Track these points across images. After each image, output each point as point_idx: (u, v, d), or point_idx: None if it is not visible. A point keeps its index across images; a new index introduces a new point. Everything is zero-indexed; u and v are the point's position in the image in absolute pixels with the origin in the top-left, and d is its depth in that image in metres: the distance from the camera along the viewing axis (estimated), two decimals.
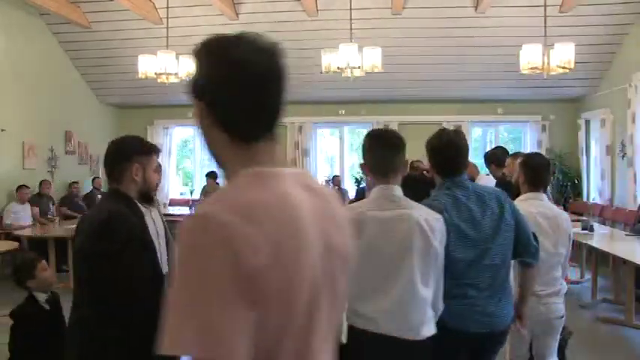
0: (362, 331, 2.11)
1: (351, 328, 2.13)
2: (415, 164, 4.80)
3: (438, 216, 2.23)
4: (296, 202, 0.96)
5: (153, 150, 2.38)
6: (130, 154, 2.25)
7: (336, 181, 10.63)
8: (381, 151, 2.28)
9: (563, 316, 3.09)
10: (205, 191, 9.74)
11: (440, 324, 2.21)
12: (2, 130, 7.77)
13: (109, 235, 2.06)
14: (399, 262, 2.13)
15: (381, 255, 2.13)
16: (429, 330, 2.15)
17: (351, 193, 10.61)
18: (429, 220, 2.17)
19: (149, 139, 11.05)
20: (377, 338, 2.09)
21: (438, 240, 2.18)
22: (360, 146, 2.34)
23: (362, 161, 2.35)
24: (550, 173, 3.30)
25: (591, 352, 4.61)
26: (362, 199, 2.49)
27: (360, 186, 10.58)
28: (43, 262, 3.26)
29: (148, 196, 2.29)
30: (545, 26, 5.91)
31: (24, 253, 2.84)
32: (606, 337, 5.02)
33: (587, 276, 7.03)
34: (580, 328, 5.24)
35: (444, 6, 8.13)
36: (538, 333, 3.06)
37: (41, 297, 3.20)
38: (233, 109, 1.03)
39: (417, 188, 2.63)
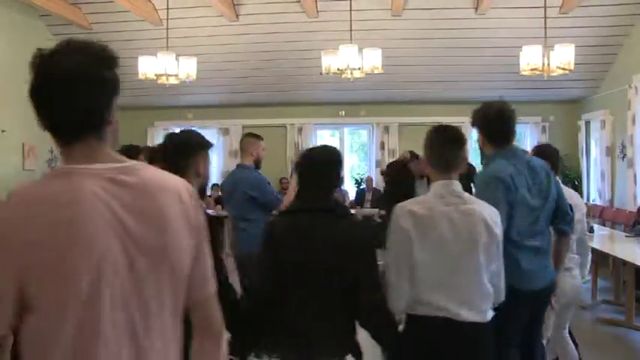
0: (428, 318, 2.18)
1: (414, 317, 2.21)
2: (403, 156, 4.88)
3: (497, 211, 2.32)
4: (80, 194, 1.11)
5: (210, 145, 2.39)
6: (196, 148, 2.23)
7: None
8: (445, 147, 2.31)
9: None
10: None
11: (507, 288, 2.34)
12: (2, 132, 7.78)
13: None
14: (465, 255, 2.20)
15: (449, 249, 2.18)
16: (491, 312, 2.27)
17: (352, 194, 10.63)
18: (491, 214, 2.26)
19: (149, 141, 11.18)
20: (445, 322, 2.16)
21: (500, 230, 2.28)
22: (422, 142, 2.42)
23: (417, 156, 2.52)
24: (559, 160, 3.69)
25: (591, 353, 4.60)
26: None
27: (360, 187, 10.59)
28: None
29: (204, 191, 2.30)
30: (545, 27, 5.92)
31: None
32: (607, 338, 5.02)
33: (588, 277, 7.03)
34: (580, 329, 5.24)
35: (444, 7, 8.13)
36: (563, 303, 3.23)
37: None
38: (42, 116, 1.23)
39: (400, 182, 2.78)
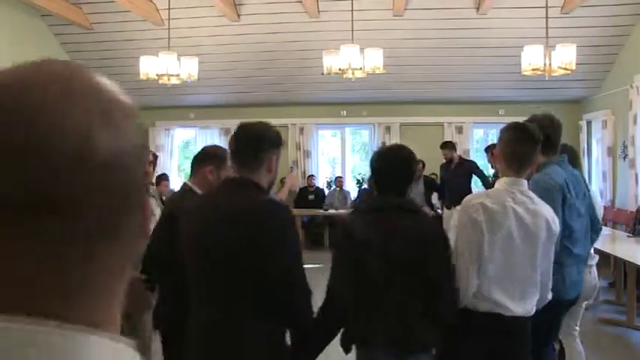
0: (486, 314, 2.25)
1: (471, 311, 2.26)
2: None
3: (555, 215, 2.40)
4: None
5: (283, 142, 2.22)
6: (272, 145, 2.05)
7: (338, 182, 10.64)
8: (523, 145, 2.33)
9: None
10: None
11: (555, 295, 2.44)
12: None
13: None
14: (527, 253, 2.26)
15: (513, 246, 2.24)
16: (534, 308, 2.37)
17: (353, 194, 10.63)
18: (553, 216, 2.34)
19: (150, 141, 11.15)
20: (499, 317, 2.24)
21: (558, 230, 2.37)
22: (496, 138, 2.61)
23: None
24: (578, 158, 3.73)
25: (593, 354, 4.60)
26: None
27: (362, 187, 10.59)
28: None
29: (270, 189, 2.17)
30: (546, 27, 5.91)
31: None
32: (608, 339, 5.01)
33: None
34: (581, 329, 5.24)
35: (446, 7, 8.13)
36: (581, 299, 3.25)
37: None
38: None
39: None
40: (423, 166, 8.57)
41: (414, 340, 2.10)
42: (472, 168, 7.95)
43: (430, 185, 8.61)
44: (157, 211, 2.76)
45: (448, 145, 8.22)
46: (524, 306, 2.27)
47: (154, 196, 3.15)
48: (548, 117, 2.88)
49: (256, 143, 1.99)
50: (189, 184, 2.73)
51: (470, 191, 6.78)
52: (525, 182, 2.33)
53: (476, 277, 2.22)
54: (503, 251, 2.23)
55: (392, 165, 2.26)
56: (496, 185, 2.38)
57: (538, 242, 2.26)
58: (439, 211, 8.47)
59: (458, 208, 2.61)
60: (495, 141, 10.76)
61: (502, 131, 2.42)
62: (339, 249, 2.20)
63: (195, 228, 1.97)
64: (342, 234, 2.24)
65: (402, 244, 2.09)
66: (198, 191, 2.54)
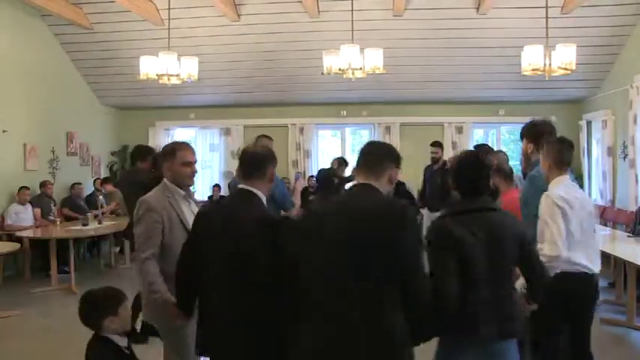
0: (574, 273, 3.06)
1: (561, 274, 2.96)
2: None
3: None
4: None
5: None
6: (392, 160, 2.33)
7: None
8: (570, 154, 3.27)
9: None
10: None
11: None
12: (4, 132, 7.78)
13: None
14: (588, 227, 3.18)
15: (582, 223, 3.11)
16: None
17: None
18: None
19: (150, 141, 11.19)
20: (584, 276, 3.11)
21: None
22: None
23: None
24: None
25: (593, 353, 4.60)
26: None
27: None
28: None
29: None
30: (546, 27, 5.91)
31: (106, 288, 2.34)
32: (608, 338, 5.01)
33: None
34: None
35: (446, 7, 8.13)
36: None
37: (122, 342, 2.52)
38: None
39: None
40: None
41: (514, 328, 2.37)
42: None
43: (400, 191, 8.41)
44: (189, 217, 2.93)
45: (440, 145, 7.97)
46: (597, 266, 3.19)
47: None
48: (549, 123, 3.67)
49: (378, 158, 2.27)
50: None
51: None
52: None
53: (566, 248, 2.98)
54: (581, 226, 3.09)
55: (482, 169, 2.49)
56: (554, 183, 3.15)
57: (592, 219, 3.24)
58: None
59: (437, 214, 2.92)
60: (496, 143, 10.98)
61: (550, 143, 3.26)
62: (441, 248, 2.31)
63: (337, 226, 2.08)
64: (437, 235, 2.37)
65: (502, 241, 2.34)
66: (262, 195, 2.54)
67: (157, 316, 2.93)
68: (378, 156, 2.26)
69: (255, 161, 2.52)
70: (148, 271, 2.81)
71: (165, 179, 3.08)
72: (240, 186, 2.50)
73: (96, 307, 2.47)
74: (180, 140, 3.12)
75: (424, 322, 2.12)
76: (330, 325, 2.00)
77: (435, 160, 7.81)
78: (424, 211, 7.65)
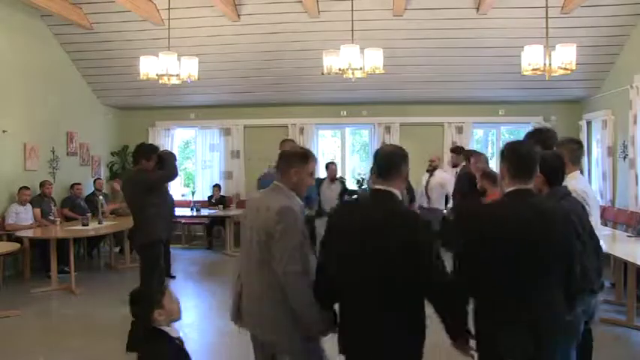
0: None
1: None
2: None
3: None
4: None
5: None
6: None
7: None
8: (579, 148, 3.66)
9: None
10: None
11: None
12: (4, 132, 7.79)
13: None
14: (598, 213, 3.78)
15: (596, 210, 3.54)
16: None
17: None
18: None
19: (150, 141, 11.18)
20: None
21: None
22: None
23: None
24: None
25: (593, 353, 4.60)
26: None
27: (362, 187, 10.58)
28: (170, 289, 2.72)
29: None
30: (546, 27, 5.91)
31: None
32: (608, 338, 5.01)
33: None
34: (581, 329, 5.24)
35: (446, 7, 8.13)
36: None
37: (174, 333, 2.59)
38: None
39: None
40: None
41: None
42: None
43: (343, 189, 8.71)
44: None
45: (460, 151, 8.15)
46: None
47: None
48: (552, 131, 4.06)
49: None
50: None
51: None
52: None
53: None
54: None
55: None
56: (571, 177, 3.31)
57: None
58: None
59: None
60: (496, 143, 11.05)
61: (565, 142, 3.62)
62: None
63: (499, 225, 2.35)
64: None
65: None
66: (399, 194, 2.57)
67: (309, 330, 2.68)
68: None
69: (392, 161, 2.52)
70: (305, 288, 2.58)
71: (281, 184, 2.81)
72: (377, 187, 2.49)
73: (144, 303, 2.56)
74: (307, 148, 2.96)
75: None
76: None
77: (454, 165, 8.19)
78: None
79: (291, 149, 3.06)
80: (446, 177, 8.17)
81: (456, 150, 8.39)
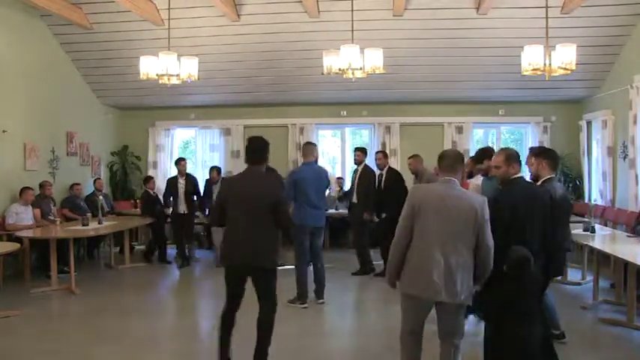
0: None
1: None
2: None
3: None
4: None
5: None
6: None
7: (338, 182, 10.64)
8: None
9: None
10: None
11: None
12: (4, 132, 7.78)
13: None
14: None
15: None
16: None
17: None
18: None
19: (150, 141, 11.14)
20: None
21: None
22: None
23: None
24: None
25: (592, 354, 4.61)
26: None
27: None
28: None
29: None
30: (546, 27, 5.90)
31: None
32: (608, 339, 5.01)
33: (589, 277, 7.03)
34: (581, 329, 5.24)
35: (446, 7, 8.13)
36: None
37: None
38: None
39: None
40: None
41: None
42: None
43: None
44: None
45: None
46: None
47: None
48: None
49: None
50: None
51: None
52: None
53: None
54: None
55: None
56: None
57: None
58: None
59: None
60: (496, 143, 11.13)
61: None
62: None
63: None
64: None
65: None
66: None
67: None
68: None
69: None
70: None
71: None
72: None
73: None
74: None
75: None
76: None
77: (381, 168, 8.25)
78: None
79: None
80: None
81: (364, 150, 8.45)
